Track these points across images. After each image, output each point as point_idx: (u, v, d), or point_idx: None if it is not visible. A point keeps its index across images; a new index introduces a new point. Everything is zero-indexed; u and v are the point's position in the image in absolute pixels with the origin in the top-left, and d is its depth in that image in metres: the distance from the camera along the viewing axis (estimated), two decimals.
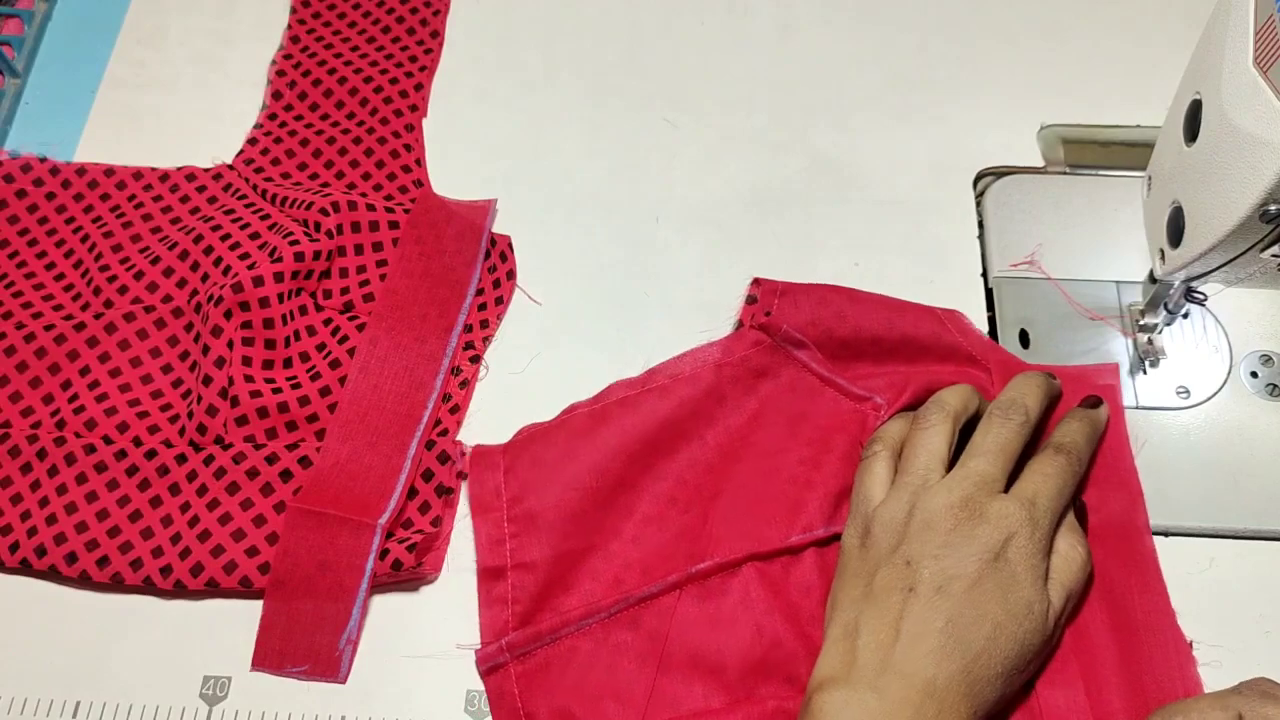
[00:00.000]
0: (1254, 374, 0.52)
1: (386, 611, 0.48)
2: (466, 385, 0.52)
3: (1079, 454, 0.46)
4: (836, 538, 0.47)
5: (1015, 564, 0.42)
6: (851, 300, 0.52)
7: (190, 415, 0.50)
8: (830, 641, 0.42)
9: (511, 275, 0.56)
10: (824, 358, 0.51)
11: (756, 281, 0.53)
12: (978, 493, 0.43)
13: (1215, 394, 0.51)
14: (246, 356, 0.50)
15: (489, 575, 0.47)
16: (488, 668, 0.46)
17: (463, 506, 0.50)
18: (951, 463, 0.45)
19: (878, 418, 0.49)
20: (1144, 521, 0.48)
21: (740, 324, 0.53)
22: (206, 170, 0.59)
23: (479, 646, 0.46)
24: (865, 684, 0.40)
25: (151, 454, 0.49)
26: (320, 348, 0.52)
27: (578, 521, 0.48)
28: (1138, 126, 0.59)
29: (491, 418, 0.52)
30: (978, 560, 0.41)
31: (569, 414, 0.51)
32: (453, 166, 0.59)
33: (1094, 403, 0.49)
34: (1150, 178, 0.51)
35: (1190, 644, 0.45)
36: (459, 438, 0.51)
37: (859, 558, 0.44)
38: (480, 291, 0.55)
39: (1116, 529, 0.48)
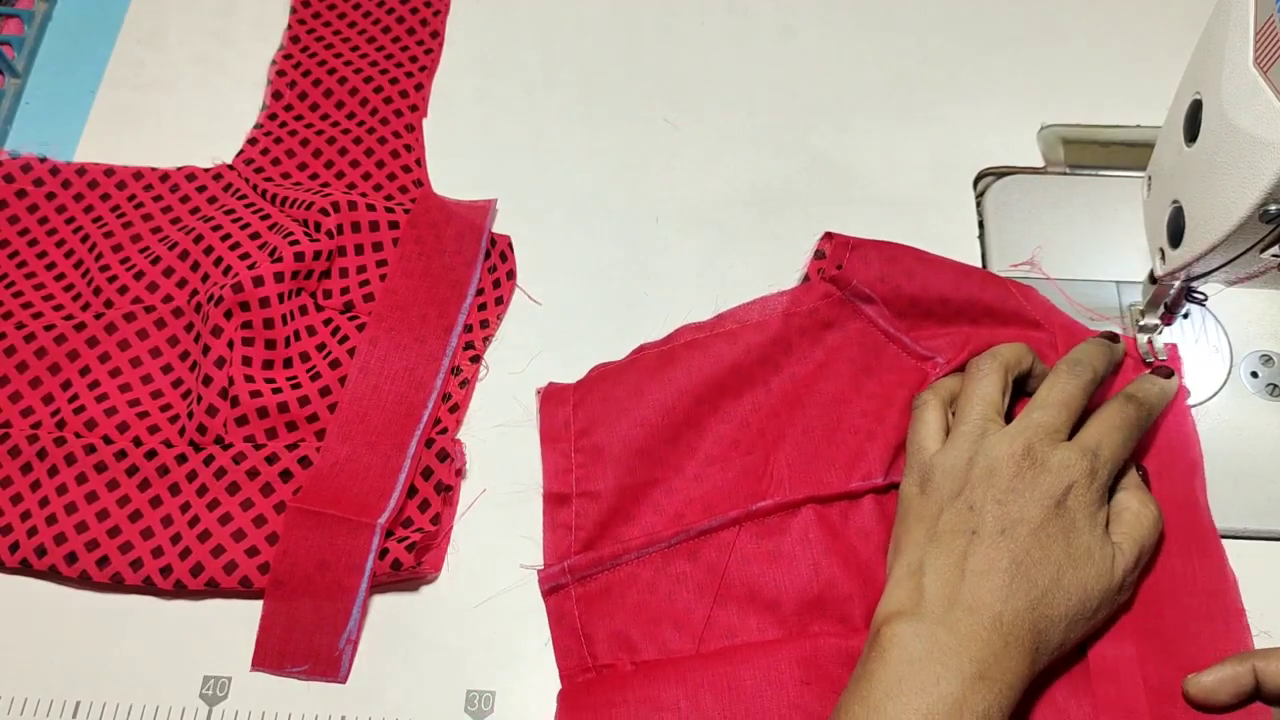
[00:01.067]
0: (1254, 374, 0.52)
1: (386, 611, 0.48)
2: (466, 385, 0.52)
3: (1149, 408, 0.46)
4: (895, 487, 0.48)
5: (1075, 511, 0.42)
6: (920, 260, 0.53)
7: (190, 415, 0.50)
8: (895, 580, 0.43)
9: (511, 275, 0.56)
10: (891, 314, 0.52)
11: (828, 235, 0.54)
12: (1040, 442, 0.43)
13: (1215, 394, 0.51)
14: (246, 356, 0.50)
15: (554, 501, 0.49)
16: (549, 588, 0.47)
17: (462, 506, 0.50)
18: (1009, 419, 0.46)
19: (935, 368, 0.51)
20: (1202, 488, 0.48)
21: (807, 277, 0.54)
22: (206, 170, 0.59)
23: (541, 567, 0.48)
24: (934, 618, 0.40)
25: (151, 454, 0.49)
26: (320, 348, 0.52)
27: (642, 456, 0.49)
28: (1138, 126, 0.59)
29: (491, 418, 0.52)
30: (1040, 506, 0.42)
31: (638, 354, 0.53)
32: (453, 166, 0.59)
33: (1167, 373, 0.49)
34: (1150, 178, 0.51)
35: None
36: (459, 437, 0.51)
37: (920, 503, 0.45)
38: (480, 291, 0.55)
39: (1177, 496, 0.48)
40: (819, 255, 0.54)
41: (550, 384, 0.52)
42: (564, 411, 0.51)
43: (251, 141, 0.60)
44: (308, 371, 0.51)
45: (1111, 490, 0.45)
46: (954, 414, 0.47)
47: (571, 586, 0.47)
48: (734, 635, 0.46)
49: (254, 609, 0.47)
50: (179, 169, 0.59)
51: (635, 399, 0.51)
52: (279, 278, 0.51)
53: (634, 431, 0.50)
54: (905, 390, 0.50)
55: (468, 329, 0.54)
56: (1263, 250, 0.42)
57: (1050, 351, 0.51)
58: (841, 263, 0.52)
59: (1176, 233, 0.45)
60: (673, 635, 0.46)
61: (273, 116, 0.61)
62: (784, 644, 0.45)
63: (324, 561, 0.46)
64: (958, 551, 0.42)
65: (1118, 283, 0.54)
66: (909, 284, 0.52)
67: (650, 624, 0.46)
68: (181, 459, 0.49)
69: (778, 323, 0.52)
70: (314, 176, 0.59)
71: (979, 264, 0.56)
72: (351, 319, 0.53)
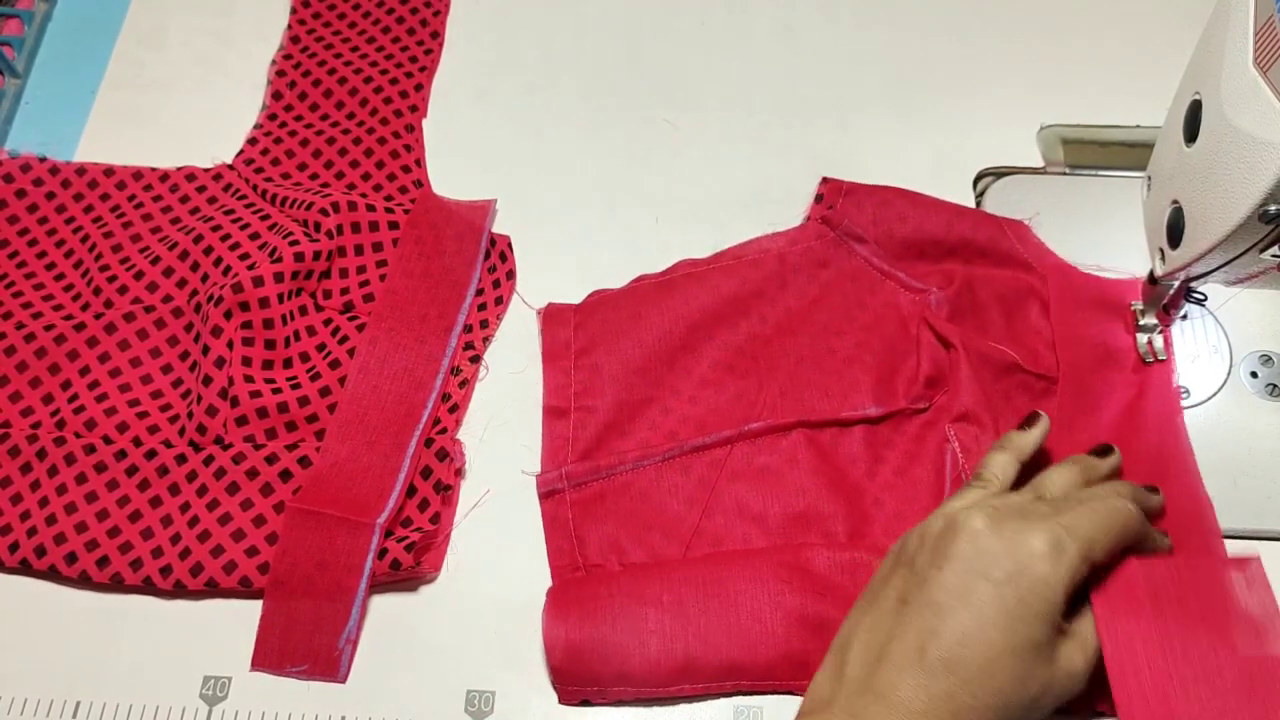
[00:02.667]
0: (1254, 374, 0.52)
1: (386, 611, 0.48)
2: (466, 385, 0.52)
3: (1143, 508, 0.42)
4: (888, 417, 0.50)
5: (1028, 596, 0.38)
6: (913, 203, 0.55)
7: (190, 415, 0.50)
8: (826, 658, 0.41)
9: (511, 275, 0.56)
10: (884, 253, 0.54)
11: (825, 180, 0.56)
12: (1009, 513, 0.40)
13: (1215, 394, 0.51)
14: (246, 357, 0.50)
15: (553, 413, 0.51)
16: (546, 492, 0.49)
17: (464, 508, 0.50)
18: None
19: (928, 302, 0.52)
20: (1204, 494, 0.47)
21: (808, 219, 0.56)
22: (206, 170, 0.59)
23: (539, 473, 0.50)
24: (842, 707, 0.38)
25: (151, 454, 0.49)
26: (320, 348, 0.52)
27: (640, 376, 0.52)
28: (1137, 126, 0.59)
29: (491, 417, 0.52)
30: (985, 580, 0.38)
31: (637, 283, 0.55)
32: (453, 166, 0.59)
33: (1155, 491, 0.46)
34: (1150, 178, 0.51)
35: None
36: (458, 437, 0.51)
37: (885, 564, 0.42)
38: (480, 291, 0.55)
39: (1182, 504, 0.47)
40: (818, 199, 0.56)
41: (550, 304, 0.54)
42: (565, 332, 0.54)
43: (251, 141, 0.60)
44: (307, 372, 0.51)
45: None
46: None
47: (567, 492, 0.49)
48: (720, 544, 0.48)
49: (254, 609, 0.47)
50: (179, 169, 0.59)
51: (634, 322, 0.53)
52: (279, 278, 0.51)
53: (632, 352, 0.52)
54: (899, 323, 0.52)
55: (467, 329, 0.54)
56: (1262, 250, 0.42)
57: (1040, 288, 0.53)
58: (834, 205, 0.55)
59: (1176, 233, 0.45)
60: (661, 542, 0.48)
61: (272, 117, 0.61)
62: (768, 550, 0.47)
63: (323, 561, 0.46)
64: (884, 628, 0.39)
65: None
66: (901, 227, 0.54)
67: (641, 531, 0.48)
68: (181, 459, 0.49)
69: (774, 260, 0.54)
70: (314, 177, 0.59)
71: None
72: (351, 319, 0.53)
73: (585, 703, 0.45)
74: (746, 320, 0.53)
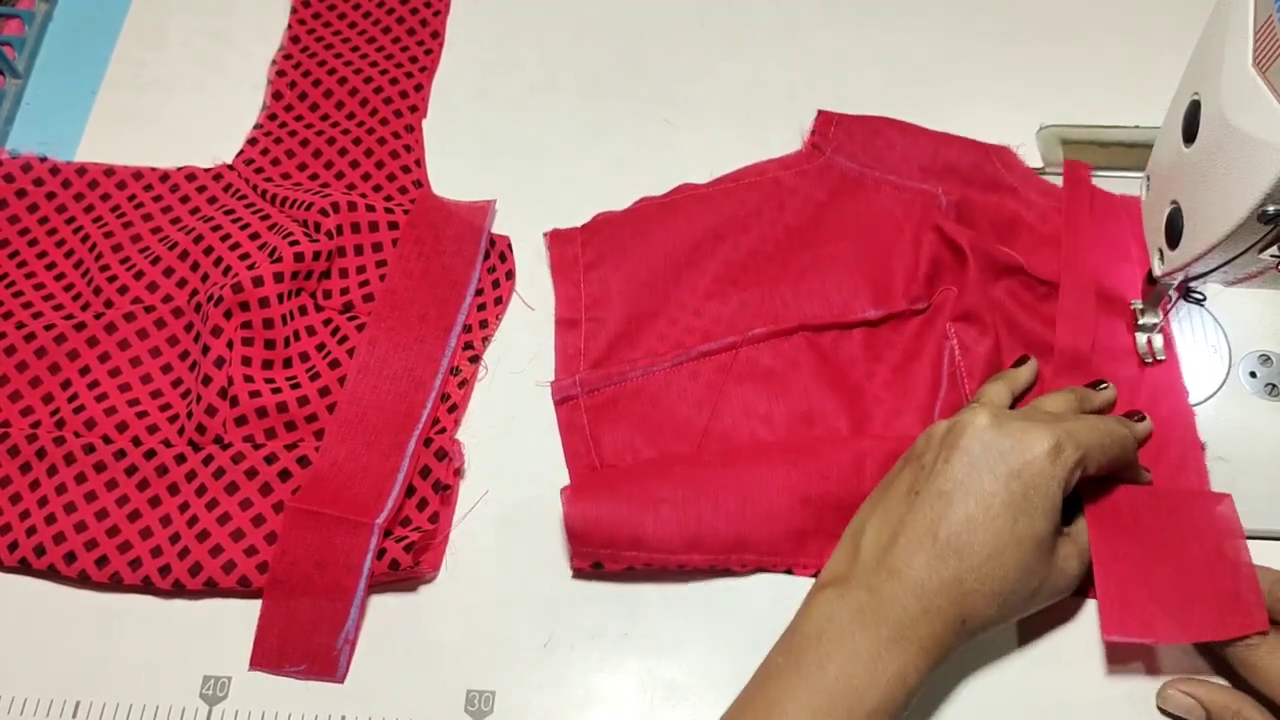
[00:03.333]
0: (1253, 374, 0.52)
1: (386, 611, 0.48)
2: (465, 385, 0.52)
3: (1136, 442, 0.46)
4: (887, 319, 0.52)
5: (1030, 491, 0.40)
6: (902, 132, 0.58)
7: (189, 415, 0.50)
8: (839, 544, 0.44)
9: (511, 275, 0.56)
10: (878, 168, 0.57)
11: (820, 113, 0.59)
12: (1013, 415, 0.42)
13: (1214, 394, 0.51)
14: (246, 356, 0.50)
15: (565, 324, 0.54)
16: (561, 398, 0.52)
17: (464, 509, 0.50)
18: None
19: (936, 203, 0.54)
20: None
21: (805, 146, 0.59)
22: (206, 170, 0.59)
23: (553, 380, 0.52)
24: (858, 581, 0.41)
25: (150, 454, 0.49)
26: (320, 348, 0.52)
27: (647, 289, 0.54)
28: (1137, 127, 0.59)
29: (490, 418, 0.52)
30: (990, 474, 0.40)
31: (640, 204, 0.57)
32: (452, 166, 0.59)
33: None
34: (1149, 178, 0.51)
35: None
36: (457, 437, 0.51)
37: (894, 468, 0.45)
38: (480, 292, 0.55)
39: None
40: (812, 133, 0.59)
41: (554, 230, 0.56)
42: (572, 249, 0.56)
43: (251, 141, 0.60)
44: (307, 372, 0.52)
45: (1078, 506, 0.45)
46: None
47: (581, 398, 0.51)
48: (729, 441, 0.50)
49: (255, 609, 0.47)
50: (179, 169, 0.59)
51: (640, 240, 0.55)
52: (278, 278, 0.51)
53: (639, 267, 0.54)
54: (895, 228, 0.54)
55: (467, 329, 0.54)
56: (1261, 250, 0.42)
57: (1025, 213, 0.55)
58: (827, 134, 0.58)
59: (1175, 233, 0.45)
60: (673, 443, 0.50)
61: (272, 116, 0.61)
62: (776, 441, 0.50)
63: (322, 561, 0.46)
64: (896, 515, 0.42)
65: None
66: (890, 154, 0.57)
67: (653, 433, 0.50)
68: (180, 459, 0.49)
69: (770, 183, 0.57)
70: (314, 177, 0.59)
71: None
72: (351, 319, 0.53)
73: (597, 565, 0.47)
74: (747, 238, 0.55)
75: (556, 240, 0.56)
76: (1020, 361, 0.50)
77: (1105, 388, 0.49)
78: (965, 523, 0.40)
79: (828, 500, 0.47)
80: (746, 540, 0.47)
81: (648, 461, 0.50)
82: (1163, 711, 0.45)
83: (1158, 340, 0.51)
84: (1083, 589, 0.45)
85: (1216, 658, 0.45)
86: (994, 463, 0.41)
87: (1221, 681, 0.44)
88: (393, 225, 0.55)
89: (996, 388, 0.48)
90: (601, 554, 0.46)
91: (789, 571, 0.48)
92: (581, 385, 0.52)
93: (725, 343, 0.52)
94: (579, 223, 0.57)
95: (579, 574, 0.48)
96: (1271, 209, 0.39)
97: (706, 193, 0.57)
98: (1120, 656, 0.46)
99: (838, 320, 0.52)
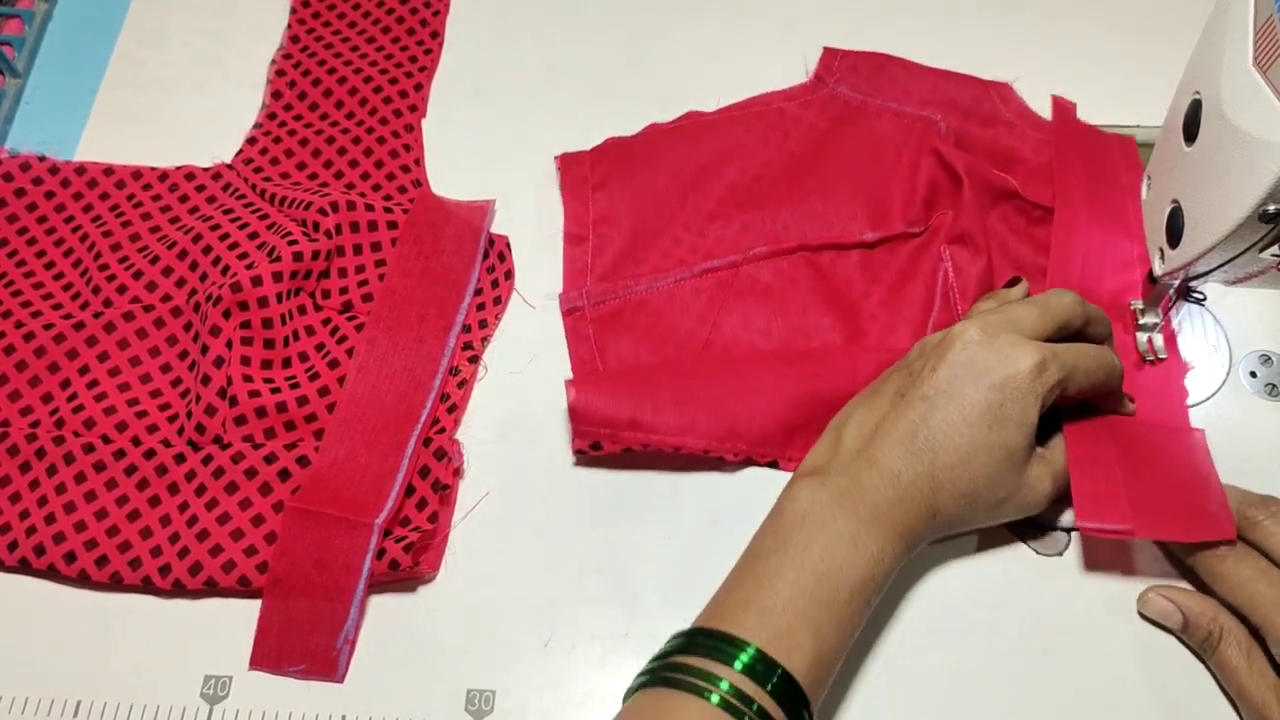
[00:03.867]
0: (1253, 374, 0.52)
1: (386, 611, 0.48)
2: (465, 385, 0.52)
3: (1119, 372, 0.46)
4: (884, 241, 0.54)
5: (1009, 402, 0.42)
6: (904, 67, 0.60)
7: (189, 415, 0.50)
8: (822, 436, 0.45)
9: (510, 275, 0.56)
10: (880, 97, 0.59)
11: (825, 49, 0.61)
12: (1004, 328, 0.43)
13: (1214, 394, 0.51)
14: (245, 356, 0.50)
15: (573, 239, 0.56)
16: (568, 308, 0.54)
17: (464, 510, 0.50)
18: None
19: (935, 128, 0.57)
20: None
21: (809, 80, 0.61)
22: (206, 170, 0.59)
23: (561, 291, 0.54)
24: (838, 468, 0.42)
25: (150, 453, 0.49)
26: (319, 348, 0.52)
27: (653, 210, 0.56)
28: (1138, 126, 0.59)
29: (490, 418, 0.52)
30: (972, 383, 0.42)
31: (649, 129, 0.59)
32: (452, 166, 0.59)
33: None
34: (1150, 178, 0.51)
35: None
36: (457, 437, 0.51)
37: (885, 373, 0.46)
38: (479, 291, 0.55)
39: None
40: (819, 67, 0.61)
41: (564, 154, 0.59)
42: (582, 169, 0.58)
43: (251, 141, 0.60)
44: (306, 372, 0.51)
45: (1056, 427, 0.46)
46: None
47: (587, 309, 0.54)
48: (728, 353, 0.53)
49: (256, 608, 0.47)
50: (178, 169, 0.59)
51: (647, 162, 0.58)
52: (277, 277, 0.51)
53: (646, 188, 0.57)
54: (895, 153, 0.56)
55: (466, 329, 0.54)
56: (1262, 250, 0.42)
57: (1021, 146, 0.57)
58: (832, 67, 0.60)
59: (1176, 232, 0.45)
60: (675, 353, 0.53)
61: (272, 116, 0.61)
62: (773, 349, 0.52)
63: (321, 561, 0.46)
64: (879, 411, 0.43)
65: None
66: (892, 87, 0.59)
67: (656, 343, 0.53)
68: (180, 458, 0.49)
69: (775, 113, 0.59)
70: (313, 176, 0.59)
71: None
72: (350, 319, 0.53)
73: (596, 446, 0.49)
74: (752, 164, 0.57)
75: (567, 162, 0.58)
76: (1012, 282, 0.51)
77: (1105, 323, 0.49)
78: (943, 425, 0.42)
79: (819, 399, 0.49)
80: (739, 430, 0.49)
81: (650, 364, 0.52)
82: (1142, 616, 0.46)
83: (1158, 340, 0.51)
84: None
85: (1189, 573, 0.46)
86: (978, 374, 0.42)
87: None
88: (392, 225, 0.55)
89: (989, 305, 0.49)
90: (601, 434, 0.48)
91: (774, 464, 0.50)
92: (588, 297, 0.54)
93: (727, 261, 0.54)
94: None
95: (579, 455, 0.50)
96: (1272, 208, 0.39)
97: (713, 120, 0.59)
98: (1099, 563, 0.48)
99: (836, 241, 0.54)
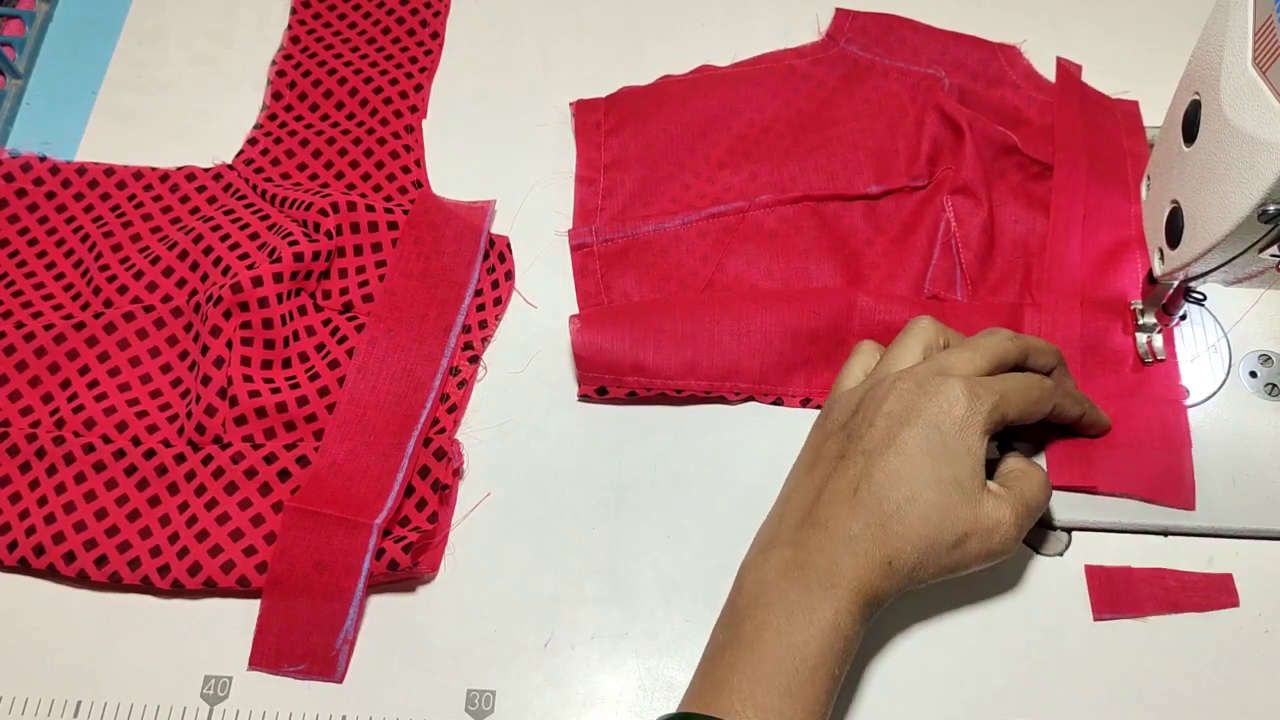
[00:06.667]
0: (1253, 374, 0.52)
1: (388, 611, 0.48)
2: (465, 385, 0.52)
3: (1058, 399, 0.45)
4: (888, 194, 0.56)
5: (949, 437, 0.41)
6: (914, 29, 0.62)
7: (189, 415, 0.50)
8: (770, 512, 0.45)
9: (510, 276, 0.56)
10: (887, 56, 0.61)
11: (837, 10, 0.63)
12: (930, 372, 0.43)
13: (1214, 394, 0.51)
14: (245, 356, 0.50)
15: (584, 181, 0.58)
16: (576, 244, 0.56)
17: (464, 510, 0.50)
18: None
19: (940, 85, 0.58)
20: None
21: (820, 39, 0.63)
22: (206, 170, 0.59)
23: (570, 228, 0.56)
24: (785, 540, 0.42)
25: (150, 453, 0.49)
26: (319, 348, 0.52)
27: (663, 156, 0.58)
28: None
29: (489, 418, 0.52)
30: (908, 427, 0.41)
31: (662, 79, 0.61)
32: (452, 167, 0.59)
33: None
34: (1149, 178, 0.51)
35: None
36: (457, 437, 0.51)
37: (815, 434, 0.45)
38: (479, 292, 0.55)
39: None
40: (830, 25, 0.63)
41: (579, 100, 0.60)
42: (595, 115, 0.60)
43: (251, 141, 0.60)
44: (306, 372, 0.52)
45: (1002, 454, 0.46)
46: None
47: (595, 245, 0.55)
48: (729, 291, 0.54)
49: (256, 609, 0.47)
50: (179, 169, 0.59)
51: (659, 110, 0.59)
52: (278, 278, 0.51)
53: (658, 135, 0.58)
54: (901, 109, 0.58)
55: (466, 329, 0.54)
56: (1261, 250, 0.42)
57: (1026, 108, 0.59)
58: (843, 26, 0.62)
59: (1175, 233, 0.45)
60: (678, 291, 0.54)
61: (272, 117, 0.61)
62: (772, 288, 0.53)
63: (321, 561, 0.46)
64: (822, 475, 0.43)
65: None
66: (901, 50, 0.61)
67: (660, 280, 0.54)
68: (180, 458, 0.49)
69: (785, 69, 0.61)
70: (313, 177, 0.59)
71: None
72: (350, 319, 0.53)
73: (601, 390, 0.51)
74: (761, 117, 0.59)
75: (581, 108, 0.60)
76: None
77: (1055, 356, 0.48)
78: (886, 473, 0.41)
79: (818, 334, 0.51)
80: (739, 368, 0.51)
81: (652, 300, 0.53)
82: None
83: (1158, 340, 0.51)
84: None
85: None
86: (913, 417, 0.42)
87: None
88: (392, 225, 0.55)
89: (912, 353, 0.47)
90: (606, 379, 0.50)
91: (778, 401, 0.52)
92: (596, 234, 0.55)
93: (734, 206, 0.55)
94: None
95: (584, 399, 0.52)
96: (1271, 208, 0.39)
97: (726, 73, 0.61)
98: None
99: (841, 193, 0.56)
